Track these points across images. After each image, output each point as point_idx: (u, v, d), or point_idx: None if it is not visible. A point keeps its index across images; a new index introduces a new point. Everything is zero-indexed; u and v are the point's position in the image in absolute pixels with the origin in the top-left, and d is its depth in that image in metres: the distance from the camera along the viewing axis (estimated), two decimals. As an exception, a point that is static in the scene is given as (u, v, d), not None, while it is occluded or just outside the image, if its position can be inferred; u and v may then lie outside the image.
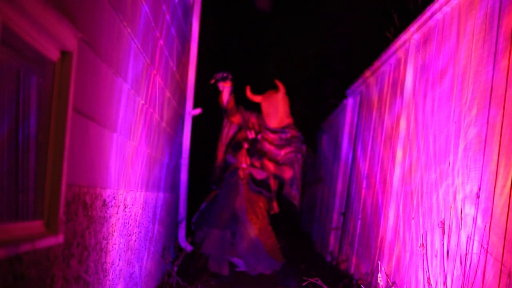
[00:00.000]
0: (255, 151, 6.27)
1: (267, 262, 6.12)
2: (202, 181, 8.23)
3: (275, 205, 6.34)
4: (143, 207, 3.82)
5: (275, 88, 6.45)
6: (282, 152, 6.39)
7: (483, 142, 2.94)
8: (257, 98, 6.46)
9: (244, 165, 6.23)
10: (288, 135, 6.41)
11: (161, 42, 4.07)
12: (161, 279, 5.00)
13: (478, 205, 2.91)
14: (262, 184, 6.27)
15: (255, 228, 6.04)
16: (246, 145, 6.29)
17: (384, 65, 5.68)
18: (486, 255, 2.76)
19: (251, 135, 6.28)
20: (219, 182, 6.34)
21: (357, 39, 9.55)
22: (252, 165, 6.25)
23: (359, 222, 6.04)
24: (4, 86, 1.83)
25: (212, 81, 6.18)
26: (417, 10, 4.86)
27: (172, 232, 5.98)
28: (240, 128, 6.49)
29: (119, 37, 2.77)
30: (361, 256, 5.70)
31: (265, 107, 6.41)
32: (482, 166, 2.92)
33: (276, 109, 6.39)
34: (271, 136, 6.39)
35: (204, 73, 7.25)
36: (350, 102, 7.49)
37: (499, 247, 2.64)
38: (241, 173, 6.21)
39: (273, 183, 6.37)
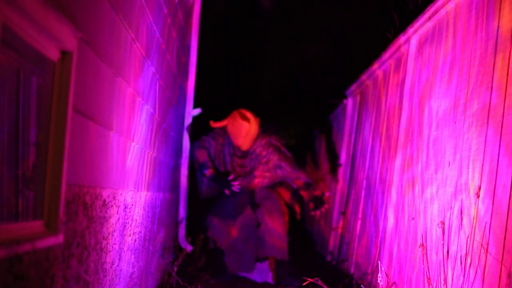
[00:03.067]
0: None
1: (258, 269, 6.09)
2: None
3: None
4: (143, 207, 3.82)
5: (243, 116, 6.14)
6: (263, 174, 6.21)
7: (483, 142, 2.94)
8: (221, 123, 6.16)
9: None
10: (256, 153, 6.22)
11: (161, 42, 4.07)
12: (161, 279, 5.00)
13: (478, 205, 2.91)
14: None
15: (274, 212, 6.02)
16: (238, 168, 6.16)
17: (384, 65, 5.68)
18: (486, 255, 2.76)
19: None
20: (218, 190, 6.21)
21: (357, 39, 9.55)
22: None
23: (359, 222, 6.04)
24: (4, 86, 1.83)
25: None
26: (417, 10, 4.86)
27: (172, 232, 5.98)
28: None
29: (119, 37, 2.77)
30: (361, 256, 5.70)
31: (231, 131, 6.10)
32: (482, 166, 2.92)
33: (244, 135, 6.13)
34: (240, 161, 6.19)
35: (204, 73, 7.25)
36: (350, 102, 7.49)
37: (499, 247, 2.64)
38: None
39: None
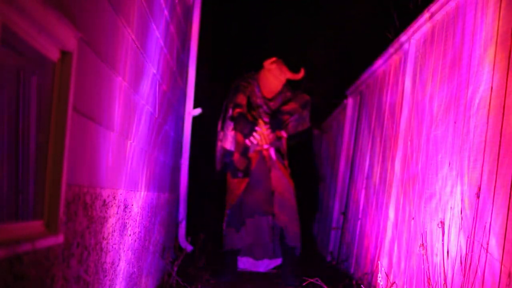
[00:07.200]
0: (278, 123, 6.21)
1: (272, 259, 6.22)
2: (202, 181, 8.21)
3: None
4: (143, 207, 3.82)
5: (296, 69, 6.39)
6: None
7: (483, 142, 2.94)
8: (271, 61, 6.31)
9: (265, 146, 6.17)
10: (281, 97, 6.39)
11: (161, 41, 4.07)
12: (161, 279, 5.00)
13: (478, 205, 2.91)
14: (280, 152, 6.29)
15: (293, 197, 6.09)
16: (266, 119, 6.22)
17: (384, 65, 5.68)
18: (486, 255, 2.76)
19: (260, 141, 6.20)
20: (245, 171, 6.19)
21: (357, 39, 9.55)
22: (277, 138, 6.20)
23: (359, 222, 6.04)
24: (4, 86, 1.83)
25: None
26: (417, 10, 4.86)
27: (172, 232, 5.98)
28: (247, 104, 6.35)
29: (119, 37, 2.77)
30: (361, 256, 5.70)
31: (263, 79, 6.28)
32: (482, 166, 2.92)
33: (271, 88, 6.31)
34: (272, 104, 6.36)
35: (204, 73, 7.25)
36: (350, 102, 7.49)
37: (499, 247, 2.64)
38: (265, 154, 6.15)
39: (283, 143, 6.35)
